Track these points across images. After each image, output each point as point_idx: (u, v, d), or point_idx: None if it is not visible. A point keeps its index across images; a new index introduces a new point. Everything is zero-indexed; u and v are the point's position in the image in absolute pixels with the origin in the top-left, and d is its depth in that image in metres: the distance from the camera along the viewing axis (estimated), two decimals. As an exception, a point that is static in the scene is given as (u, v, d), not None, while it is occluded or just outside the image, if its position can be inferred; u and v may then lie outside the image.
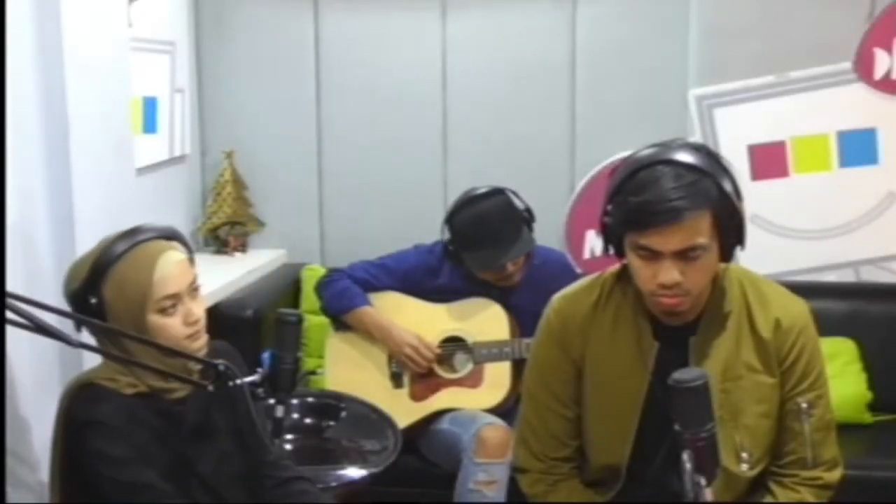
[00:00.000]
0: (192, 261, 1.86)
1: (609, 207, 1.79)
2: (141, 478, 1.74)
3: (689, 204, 1.69)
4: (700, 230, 1.71)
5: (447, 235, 2.90)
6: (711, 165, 1.75)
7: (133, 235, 1.79)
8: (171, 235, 1.85)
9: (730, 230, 1.75)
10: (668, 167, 1.72)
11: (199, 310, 1.81)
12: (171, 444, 1.80)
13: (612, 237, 1.81)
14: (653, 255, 1.72)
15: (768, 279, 1.95)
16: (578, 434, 1.94)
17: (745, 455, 1.83)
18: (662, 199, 1.69)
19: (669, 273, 1.72)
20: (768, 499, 1.87)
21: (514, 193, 2.90)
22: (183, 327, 1.78)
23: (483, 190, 2.89)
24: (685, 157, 1.73)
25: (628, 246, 1.77)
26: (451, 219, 2.89)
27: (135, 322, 1.75)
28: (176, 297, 1.77)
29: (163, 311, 1.76)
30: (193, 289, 1.82)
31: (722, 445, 1.79)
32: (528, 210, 2.90)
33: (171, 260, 1.79)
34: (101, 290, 1.74)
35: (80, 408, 1.76)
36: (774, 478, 1.89)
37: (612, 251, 1.84)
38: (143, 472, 1.74)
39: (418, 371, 2.88)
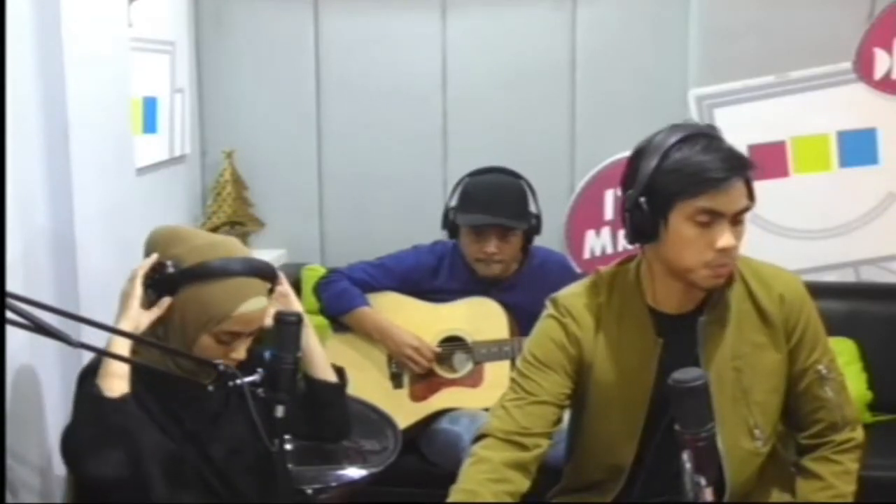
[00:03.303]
0: (270, 292, 1.90)
1: (646, 185, 1.74)
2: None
3: (741, 163, 1.74)
4: (745, 192, 1.75)
5: (455, 200, 2.93)
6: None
7: (248, 264, 1.84)
8: (271, 277, 1.89)
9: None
10: (704, 139, 1.75)
11: (244, 353, 1.86)
12: (187, 424, 1.83)
13: (647, 214, 1.75)
14: (711, 221, 1.71)
15: (756, 258, 1.95)
16: (553, 425, 1.88)
17: (757, 432, 1.85)
18: (724, 157, 1.72)
19: (729, 237, 1.72)
20: (805, 486, 1.88)
21: (532, 192, 2.93)
22: (222, 358, 1.82)
23: (507, 168, 2.95)
24: (711, 132, 1.79)
25: (681, 217, 1.73)
26: (467, 177, 2.94)
27: (188, 329, 1.80)
28: (237, 336, 1.83)
29: (217, 339, 1.82)
30: (252, 334, 1.86)
31: (736, 423, 1.82)
32: (538, 216, 2.91)
33: (255, 306, 1.83)
34: (187, 278, 1.79)
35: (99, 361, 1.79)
36: (810, 455, 1.89)
37: (626, 243, 1.83)
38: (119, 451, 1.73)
39: (419, 372, 2.88)
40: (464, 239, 2.91)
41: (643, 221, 1.76)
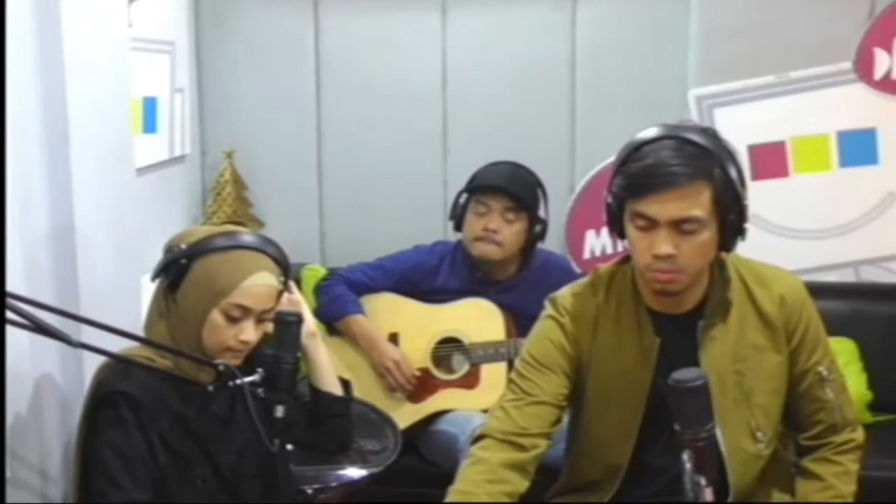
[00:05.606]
0: (280, 293, 1.89)
1: (613, 182, 1.80)
2: (124, 481, 1.75)
3: (687, 171, 1.70)
4: (697, 203, 1.71)
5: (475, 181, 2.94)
6: (716, 146, 1.76)
7: (258, 240, 1.87)
8: (283, 263, 1.91)
9: (730, 213, 1.74)
10: (672, 141, 1.74)
11: (254, 336, 1.85)
12: (194, 432, 1.83)
13: (615, 211, 1.81)
14: (650, 225, 1.73)
15: (756, 260, 1.95)
16: (552, 426, 1.88)
17: (760, 434, 1.85)
18: (662, 164, 1.71)
19: (663, 244, 1.71)
20: (806, 486, 1.88)
21: (546, 198, 2.94)
22: (232, 339, 1.82)
23: (532, 171, 2.95)
24: (690, 134, 1.76)
25: (628, 217, 1.77)
26: (490, 164, 2.96)
27: (199, 307, 1.81)
28: (246, 312, 1.82)
29: (227, 315, 1.81)
30: (263, 317, 1.85)
31: (738, 426, 1.83)
32: (545, 222, 2.91)
33: (264, 281, 1.84)
34: (194, 261, 1.81)
35: (112, 379, 1.80)
36: (810, 456, 1.90)
37: (613, 237, 1.86)
38: (128, 478, 1.75)
39: (394, 387, 2.86)
40: (468, 218, 2.90)
41: (612, 218, 1.82)
